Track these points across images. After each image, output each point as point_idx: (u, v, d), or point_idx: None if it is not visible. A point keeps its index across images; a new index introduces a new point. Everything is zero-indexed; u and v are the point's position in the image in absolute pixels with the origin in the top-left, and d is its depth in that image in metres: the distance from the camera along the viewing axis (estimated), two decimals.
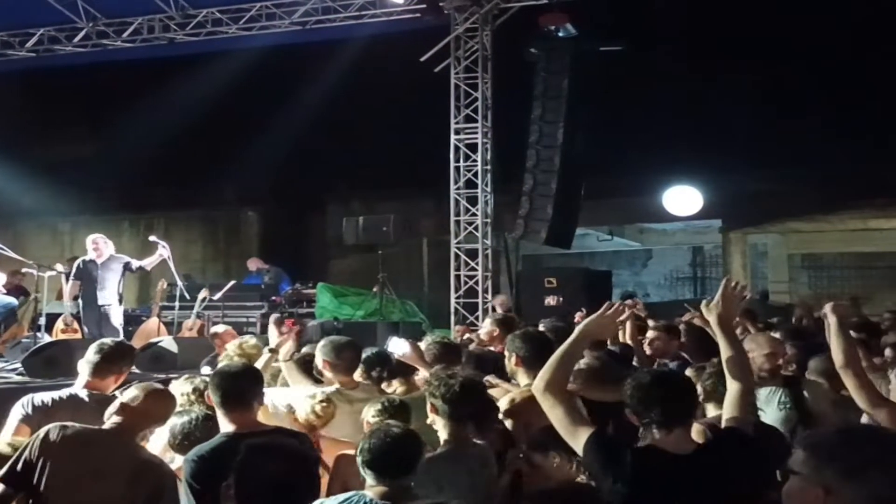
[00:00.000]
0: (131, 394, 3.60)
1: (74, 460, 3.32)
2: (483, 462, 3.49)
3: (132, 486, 3.32)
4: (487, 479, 3.45)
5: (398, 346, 4.66)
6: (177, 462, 3.54)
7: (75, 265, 9.73)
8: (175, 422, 3.77)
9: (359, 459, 2.98)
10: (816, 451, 1.92)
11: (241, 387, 3.48)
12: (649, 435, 2.93)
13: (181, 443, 3.64)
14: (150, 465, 3.49)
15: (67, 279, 10.35)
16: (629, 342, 6.49)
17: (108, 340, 4.74)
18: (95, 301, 9.48)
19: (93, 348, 4.52)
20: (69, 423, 3.47)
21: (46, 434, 3.38)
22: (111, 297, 9.55)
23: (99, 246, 9.65)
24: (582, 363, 4.71)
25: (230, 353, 4.94)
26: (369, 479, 2.96)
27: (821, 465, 1.88)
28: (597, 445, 2.87)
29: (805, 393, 4.50)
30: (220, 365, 4.11)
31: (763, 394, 4.33)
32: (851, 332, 3.87)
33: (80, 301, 9.56)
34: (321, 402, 4.00)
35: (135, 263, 9.76)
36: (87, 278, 9.54)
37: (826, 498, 1.85)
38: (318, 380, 4.64)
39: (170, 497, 3.38)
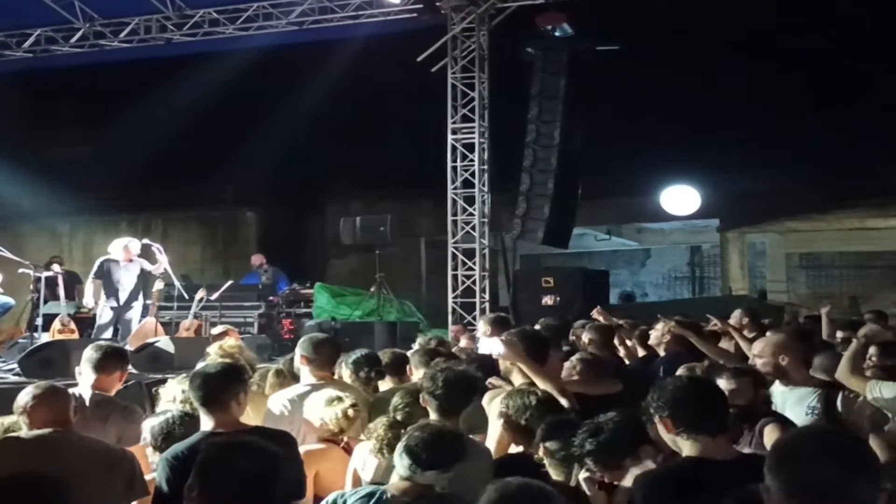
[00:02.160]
0: (23, 401, 3.57)
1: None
2: (475, 457, 3.48)
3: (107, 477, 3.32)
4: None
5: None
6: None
7: (97, 265, 9.81)
8: (153, 422, 3.77)
9: (400, 446, 2.94)
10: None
11: (218, 386, 3.45)
12: (686, 444, 2.73)
13: (161, 444, 3.64)
14: (111, 452, 3.50)
15: (63, 280, 10.38)
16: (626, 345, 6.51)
17: (102, 342, 4.78)
18: (116, 301, 9.62)
19: (91, 347, 4.53)
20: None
21: None
22: (132, 298, 9.73)
23: (129, 247, 9.79)
24: (574, 359, 4.72)
25: (212, 354, 4.94)
26: (401, 469, 2.90)
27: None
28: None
29: (838, 401, 4.17)
30: (200, 366, 4.09)
31: (794, 395, 4.14)
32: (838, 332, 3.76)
33: (97, 300, 9.64)
34: (351, 405, 3.93)
35: (147, 267, 9.88)
36: (109, 278, 9.64)
37: (768, 496, 1.86)
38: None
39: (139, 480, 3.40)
